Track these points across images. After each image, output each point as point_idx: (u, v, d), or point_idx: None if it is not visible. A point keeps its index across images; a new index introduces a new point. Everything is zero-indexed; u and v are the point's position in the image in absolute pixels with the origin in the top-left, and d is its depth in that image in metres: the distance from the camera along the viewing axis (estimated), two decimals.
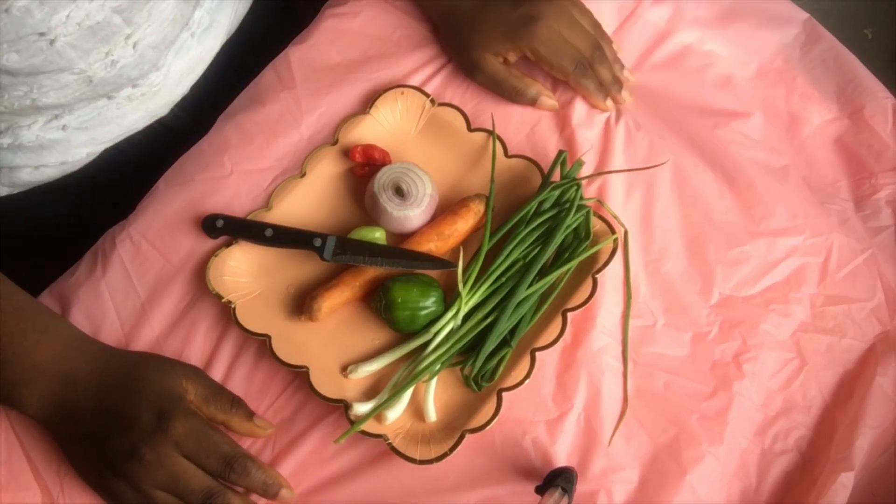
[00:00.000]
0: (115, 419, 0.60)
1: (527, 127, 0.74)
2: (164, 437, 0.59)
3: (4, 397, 0.62)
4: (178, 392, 0.61)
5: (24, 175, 0.75)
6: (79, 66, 0.65)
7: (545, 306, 0.66)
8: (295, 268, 0.68)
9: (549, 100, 0.73)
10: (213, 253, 0.67)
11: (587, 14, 0.75)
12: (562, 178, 0.69)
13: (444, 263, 0.66)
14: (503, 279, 0.66)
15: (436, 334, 0.64)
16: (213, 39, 0.78)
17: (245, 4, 0.84)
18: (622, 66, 0.75)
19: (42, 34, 0.60)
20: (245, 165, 0.71)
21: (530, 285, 0.65)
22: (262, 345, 0.66)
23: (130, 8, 0.65)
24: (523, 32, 0.71)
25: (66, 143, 0.73)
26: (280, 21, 0.89)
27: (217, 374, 0.66)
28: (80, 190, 0.78)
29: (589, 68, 0.73)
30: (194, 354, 0.67)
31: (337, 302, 0.65)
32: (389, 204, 0.67)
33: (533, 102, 0.73)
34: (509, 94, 0.73)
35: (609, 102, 0.74)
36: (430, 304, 0.64)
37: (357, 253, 0.66)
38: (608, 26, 0.78)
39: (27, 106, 0.67)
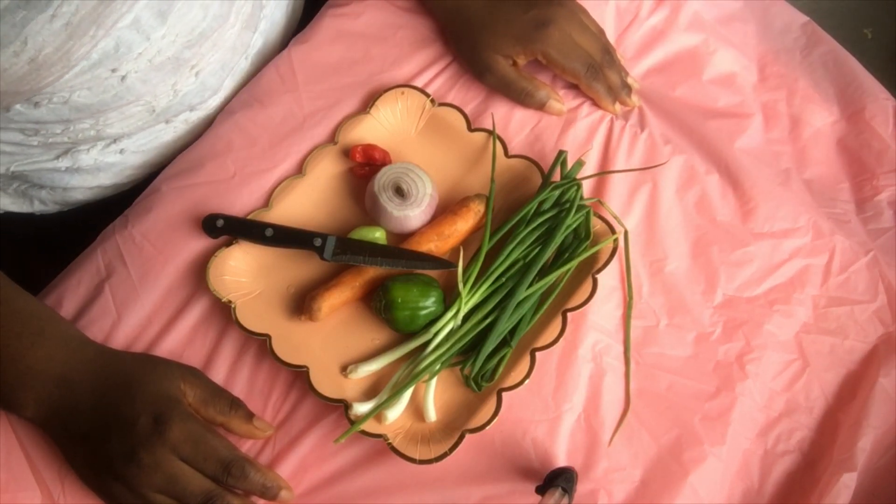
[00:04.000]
0: (112, 422, 0.60)
1: (527, 127, 0.74)
2: (161, 441, 0.58)
3: (1, 400, 0.62)
4: (175, 395, 0.61)
5: (78, 195, 0.75)
6: (145, 99, 0.67)
7: (545, 306, 0.66)
8: (295, 268, 0.68)
9: (556, 104, 0.73)
10: (213, 253, 0.67)
11: (592, 20, 0.76)
12: (562, 178, 0.69)
13: (444, 263, 0.66)
14: (503, 279, 0.66)
15: (436, 334, 0.64)
16: (262, 59, 0.79)
17: (293, 22, 0.84)
18: (627, 73, 0.76)
19: (114, 70, 0.61)
20: (248, 168, 0.72)
21: (530, 285, 0.65)
22: (262, 345, 0.66)
23: (199, 41, 0.66)
24: (535, 36, 0.72)
25: (122, 166, 0.74)
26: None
27: (217, 374, 0.66)
28: (120, 202, 0.77)
29: (600, 71, 0.73)
30: (194, 354, 0.66)
31: (337, 302, 0.65)
32: (389, 204, 0.67)
33: (542, 105, 0.73)
34: (519, 96, 0.73)
35: (617, 106, 0.74)
36: (430, 304, 0.64)
37: (357, 253, 0.66)
38: (612, 32, 0.79)
39: (91, 136, 0.68)
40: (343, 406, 0.62)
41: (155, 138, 0.73)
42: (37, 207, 0.77)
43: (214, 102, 0.75)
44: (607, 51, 0.74)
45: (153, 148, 0.74)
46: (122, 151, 0.72)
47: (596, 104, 0.75)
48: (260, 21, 0.76)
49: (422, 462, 0.60)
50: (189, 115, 0.73)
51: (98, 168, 0.73)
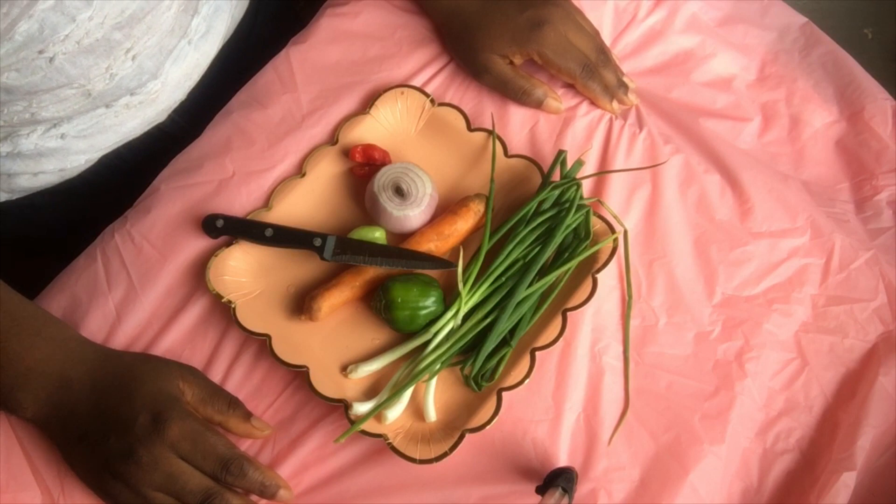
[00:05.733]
0: (111, 421, 0.60)
1: (527, 127, 0.74)
2: (159, 438, 0.58)
3: (1, 402, 0.62)
4: (174, 393, 0.61)
5: (23, 181, 0.75)
6: (78, 82, 0.66)
7: (545, 306, 0.66)
8: (295, 268, 0.68)
9: (554, 101, 0.73)
10: (213, 253, 0.67)
11: (587, 20, 0.76)
12: (562, 177, 0.70)
13: (444, 263, 0.66)
14: (503, 279, 0.66)
15: (436, 334, 0.64)
16: (209, 45, 0.78)
17: (241, 8, 0.84)
18: (622, 73, 0.76)
19: (41, 52, 0.61)
20: (247, 167, 0.72)
21: (530, 285, 0.65)
22: (262, 345, 0.66)
23: (130, 24, 0.65)
24: (531, 36, 0.72)
25: (65, 151, 0.73)
26: (279, 22, 0.89)
27: (217, 374, 0.66)
28: (78, 194, 0.78)
29: (595, 71, 0.73)
30: (194, 354, 0.66)
31: (337, 302, 0.65)
32: (389, 204, 0.67)
33: (539, 104, 0.73)
34: (516, 94, 0.73)
35: (615, 105, 0.74)
36: (429, 303, 0.64)
37: (357, 253, 0.66)
38: (609, 32, 0.79)
39: (26, 119, 0.67)
40: (343, 406, 0.62)
41: (96, 122, 0.73)
42: None
43: (155, 87, 0.74)
44: (602, 50, 0.74)
45: (96, 132, 0.74)
46: (63, 136, 0.72)
47: (594, 104, 0.75)
48: (202, 5, 0.75)
49: (422, 462, 0.61)
50: (130, 99, 0.73)
51: (40, 153, 0.72)
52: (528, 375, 0.63)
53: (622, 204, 0.71)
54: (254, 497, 0.62)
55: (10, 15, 0.56)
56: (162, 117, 0.78)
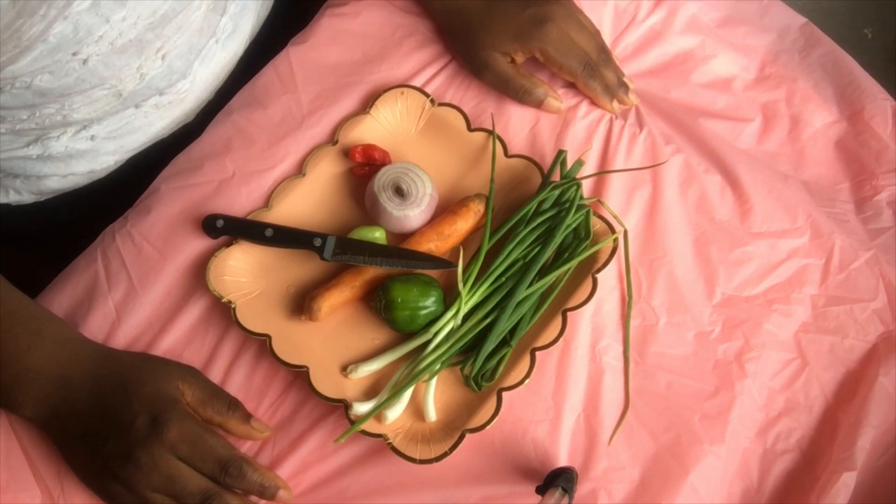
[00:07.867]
0: (110, 422, 0.60)
1: (527, 127, 0.74)
2: (158, 441, 0.58)
3: (1, 401, 0.62)
4: (173, 394, 0.61)
5: (52, 183, 0.75)
6: (110, 83, 0.66)
7: (545, 306, 0.66)
8: (295, 268, 0.68)
9: (555, 101, 0.73)
10: (213, 253, 0.67)
11: (589, 20, 0.76)
12: (562, 177, 0.70)
13: (444, 263, 0.66)
14: (503, 279, 0.66)
15: (436, 334, 0.64)
16: (236, 44, 0.79)
17: (267, 7, 0.84)
18: (622, 73, 0.76)
19: (74, 54, 0.61)
20: (247, 167, 0.72)
21: (530, 285, 0.65)
22: (262, 345, 0.66)
23: (161, 23, 0.66)
24: (533, 33, 0.72)
25: (95, 153, 0.74)
26: (292, 20, 0.89)
27: (216, 374, 0.66)
28: (103, 192, 0.78)
29: (596, 70, 0.73)
30: (194, 355, 0.66)
31: (337, 302, 0.65)
32: (389, 204, 0.67)
33: (539, 103, 0.73)
34: (517, 93, 0.73)
35: (615, 104, 0.74)
36: (429, 303, 0.64)
37: (357, 253, 0.66)
38: (609, 33, 0.79)
39: (58, 122, 0.68)
40: (343, 406, 0.62)
41: (126, 124, 0.73)
42: (12, 198, 0.76)
43: (184, 87, 0.74)
44: (603, 49, 0.74)
45: (125, 133, 0.74)
46: (92, 138, 0.72)
47: (594, 103, 0.75)
48: (229, 3, 0.76)
49: (422, 462, 0.61)
50: (159, 99, 0.73)
51: (70, 155, 0.72)
52: (528, 375, 0.63)
53: (622, 204, 0.71)
54: (253, 498, 0.62)
55: (46, 17, 0.56)
56: (190, 117, 0.78)
